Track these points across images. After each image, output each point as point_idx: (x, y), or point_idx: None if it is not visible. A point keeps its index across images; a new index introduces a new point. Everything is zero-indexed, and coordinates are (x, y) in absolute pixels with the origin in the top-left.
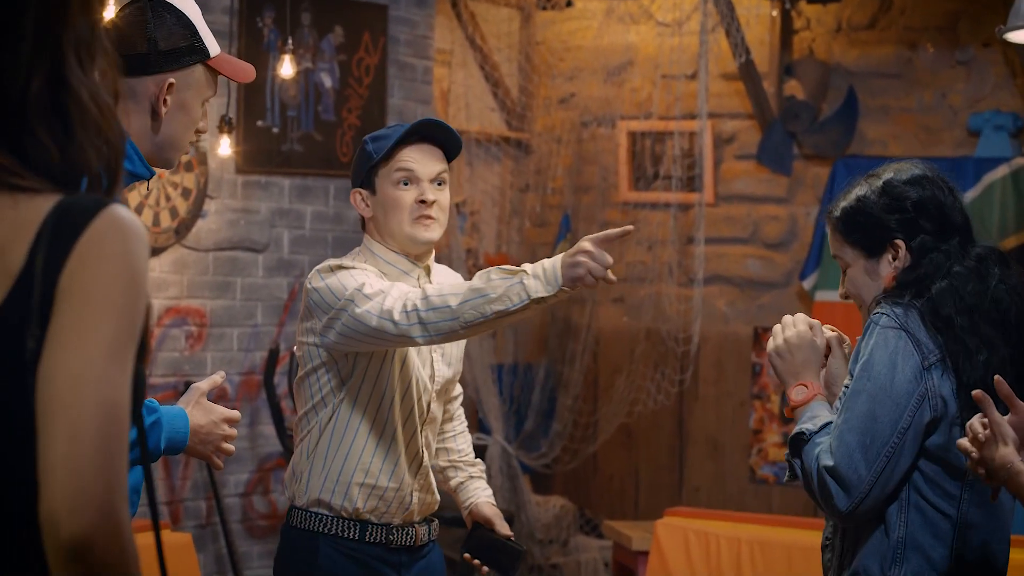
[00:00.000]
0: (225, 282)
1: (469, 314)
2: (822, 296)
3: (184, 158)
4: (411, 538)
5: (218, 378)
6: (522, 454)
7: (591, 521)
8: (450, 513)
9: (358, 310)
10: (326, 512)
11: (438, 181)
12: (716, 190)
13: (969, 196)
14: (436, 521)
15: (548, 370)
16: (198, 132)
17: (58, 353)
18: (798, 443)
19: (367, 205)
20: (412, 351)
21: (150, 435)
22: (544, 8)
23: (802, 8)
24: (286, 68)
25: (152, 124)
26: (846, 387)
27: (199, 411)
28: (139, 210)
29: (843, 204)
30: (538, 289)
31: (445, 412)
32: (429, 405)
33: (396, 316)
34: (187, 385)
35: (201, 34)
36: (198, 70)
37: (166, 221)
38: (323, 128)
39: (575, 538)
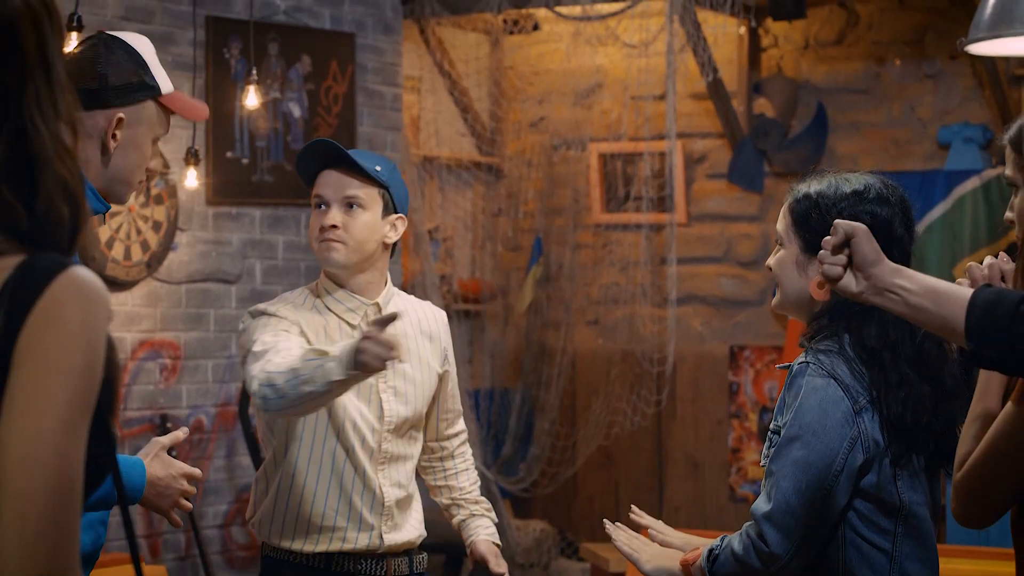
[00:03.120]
0: (198, 314)
1: (291, 393)
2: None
3: (154, 191)
4: (382, 569)
5: (180, 434)
6: (501, 479)
7: (572, 544)
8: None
9: (247, 371)
10: (291, 535)
11: (350, 204)
12: (688, 210)
13: (940, 210)
14: (423, 554)
15: (524, 394)
16: (149, 171)
17: (11, 421)
18: (712, 562)
19: None
20: (348, 393)
21: (102, 486)
22: (512, 32)
23: (769, 26)
24: (251, 99)
25: (102, 158)
26: (775, 434)
27: (158, 464)
28: (110, 244)
29: (804, 191)
30: (336, 372)
31: (443, 449)
32: (380, 444)
33: (254, 386)
34: (163, 419)
35: (153, 71)
36: (149, 107)
37: (137, 254)
38: (293, 158)
39: (556, 561)
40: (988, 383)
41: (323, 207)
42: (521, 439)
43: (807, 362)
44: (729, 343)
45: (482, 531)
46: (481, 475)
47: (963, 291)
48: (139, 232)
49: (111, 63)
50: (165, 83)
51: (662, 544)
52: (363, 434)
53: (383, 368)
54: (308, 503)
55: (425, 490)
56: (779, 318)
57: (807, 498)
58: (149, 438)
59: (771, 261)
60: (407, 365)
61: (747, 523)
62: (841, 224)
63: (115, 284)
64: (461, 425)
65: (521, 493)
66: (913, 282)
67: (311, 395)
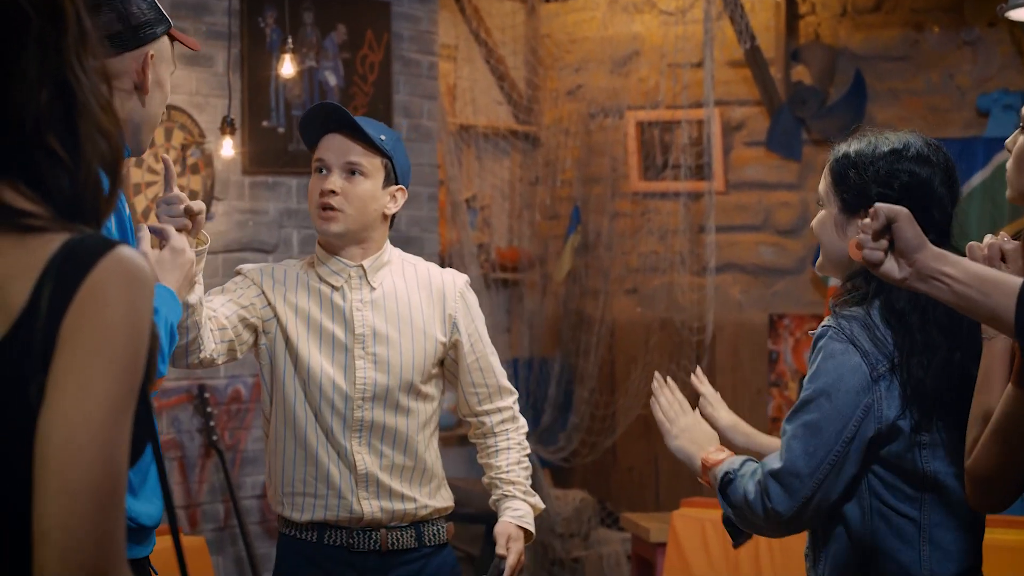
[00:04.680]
0: None
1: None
2: (836, 281)
3: (190, 160)
4: (375, 542)
5: (144, 231)
6: (540, 449)
7: (612, 514)
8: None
9: None
10: (290, 508)
11: (351, 171)
12: (726, 177)
13: (979, 177)
14: (438, 527)
15: (563, 363)
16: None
17: (57, 406)
18: (725, 484)
19: None
20: (320, 358)
21: (171, 341)
22: (548, 0)
23: None
24: (287, 68)
25: (139, 100)
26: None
27: (166, 265)
28: (145, 214)
29: (843, 150)
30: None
31: (481, 425)
32: (353, 412)
33: None
34: (200, 389)
35: (159, 4)
36: (164, 41)
37: None
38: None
39: (596, 531)
40: (989, 372)
41: (323, 171)
42: (560, 408)
43: (828, 326)
44: (768, 311)
45: (508, 512)
46: None
47: (1011, 280)
48: None
49: (126, 2)
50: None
51: (707, 418)
52: (333, 401)
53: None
54: (288, 470)
55: (471, 460)
56: (818, 286)
57: (815, 461)
58: (187, 409)
59: (814, 222)
60: (391, 330)
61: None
62: (882, 208)
63: None
64: (502, 402)
65: (560, 463)
66: (959, 269)
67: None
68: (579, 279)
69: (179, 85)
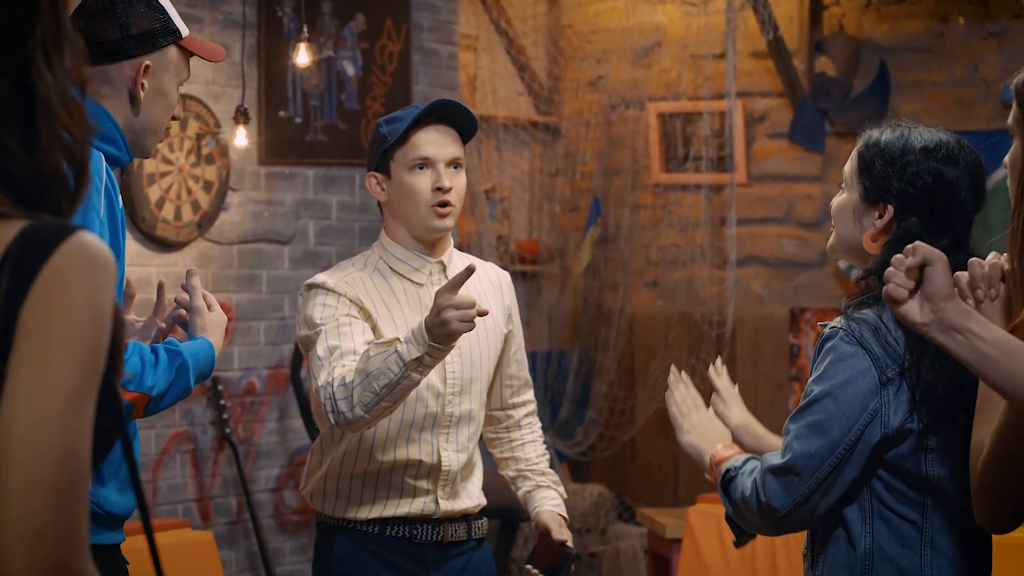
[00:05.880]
0: (250, 275)
1: (364, 397)
2: (858, 275)
3: (205, 150)
4: (439, 534)
5: (195, 281)
6: (558, 442)
7: (630, 508)
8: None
9: (313, 377)
10: (344, 503)
11: (454, 165)
12: (748, 170)
13: (1002, 171)
14: (482, 520)
15: (582, 357)
16: (174, 118)
17: (17, 398)
18: (727, 481)
19: (382, 189)
20: None
21: (178, 379)
22: None
23: None
24: (302, 57)
25: (132, 109)
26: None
27: (203, 324)
28: (160, 204)
29: (875, 137)
30: (411, 351)
31: (509, 418)
32: (444, 408)
33: (326, 402)
34: (214, 381)
35: (171, 15)
36: (172, 52)
37: (188, 215)
38: (347, 117)
39: (614, 526)
40: (987, 401)
41: (423, 168)
42: (578, 402)
43: (837, 328)
44: (790, 305)
45: (547, 502)
46: None
47: None
48: (190, 192)
49: (130, 11)
50: (183, 26)
51: (718, 415)
52: (426, 400)
53: (470, 328)
54: (366, 475)
55: (484, 455)
56: (841, 280)
57: (816, 462)
58: (201, 401)
59: (833, 202)
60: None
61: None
62: (921, 247)
63: (166, 245)
64: (528, 395)
65: (578, 457)
66: (984, 328)
67: (387, 387)
68: (599, 272)
69: (195, 75)
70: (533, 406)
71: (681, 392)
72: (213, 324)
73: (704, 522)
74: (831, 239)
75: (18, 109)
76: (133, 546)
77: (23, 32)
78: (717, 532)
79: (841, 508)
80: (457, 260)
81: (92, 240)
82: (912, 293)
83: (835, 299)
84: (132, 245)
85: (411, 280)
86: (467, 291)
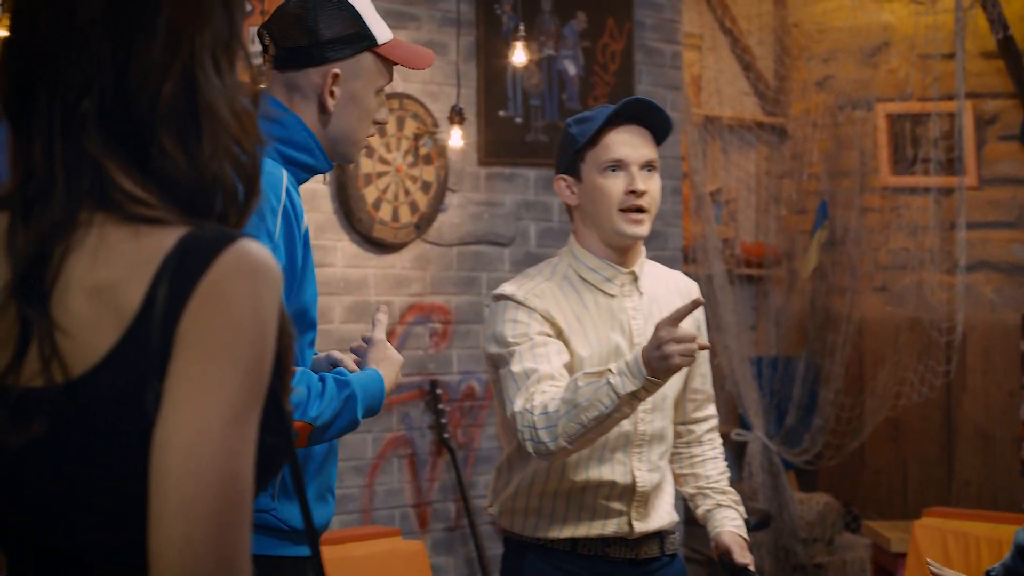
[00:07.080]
0: (470, 277)
1: (570, 428)
2: None
3: (423, 151)
4: (632, 551)
5: (382, 316)
6: (784, 450)
7: (858, 518)
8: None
9: (508, 398)
10: (534, 521)
11: (648, 167)
12: (979, 173)
13: None
14: (675, 535)
15: (808, 362)
16: (377, 123)
17: (174, 415)
18: None
19: (572, 193)
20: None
21: (345, 410)
22: None
23: None
24: (518, 55)
25: (321, 117)
26: None
27: (378, 357)
28: (377, 206)
29: None
30: (627, 385)
31: (690, 433)
32: (637, 427)
33: (523, 430)
34: (433, 385)
35: (367, 21)
36: (366, 58)
37: (406, 216)
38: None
39: (840, 536)
40: None
41: (615, 170)
42: (805, 409)
43: None
44: (1022, 311)
45: (728, 522)
46: (764, 447)
47: None
48: (407, 193)
49: (321, 17)
50: (382, 32)
51: None
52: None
53: (691, 363)
54: (556, 493)
55: None
56: None
57: None
58: (419, 405)
59: None
60: None
61: None
62: None
63: (383, 246)
64: (711, 410)
65: (805, 465)
66: None
67: (597, 420)
68: (826, 276)
69: (413, 73)
70: (715, 421)
71: None
72: (388, 359)
73: (929, 536)
74: None
75: (181, 110)
76: (338, 555)
77: (191, 31)
78: (943, 547)
79: None
80: (649, 270)
81: (255, 248)
82: None
83: None
84: (348, 247)
85: (602, 291)
86: (657, 304)
